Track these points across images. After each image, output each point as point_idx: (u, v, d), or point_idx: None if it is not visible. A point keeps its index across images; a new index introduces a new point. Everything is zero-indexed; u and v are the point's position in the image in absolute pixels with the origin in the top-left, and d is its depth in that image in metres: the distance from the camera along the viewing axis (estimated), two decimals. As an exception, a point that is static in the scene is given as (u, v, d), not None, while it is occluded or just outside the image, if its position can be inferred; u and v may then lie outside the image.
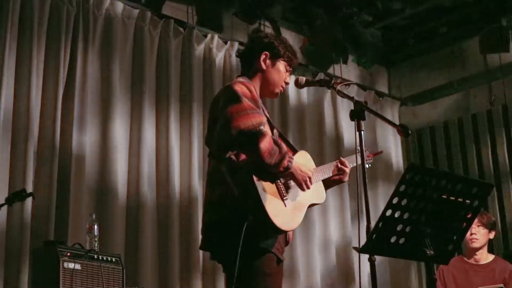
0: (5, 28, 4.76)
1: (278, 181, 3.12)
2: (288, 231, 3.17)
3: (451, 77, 7.44)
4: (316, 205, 3.42)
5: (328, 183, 3.51)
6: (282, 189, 3.12)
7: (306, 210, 3.26)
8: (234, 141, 3.00)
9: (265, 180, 3.05)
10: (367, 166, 3.68)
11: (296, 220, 3.18)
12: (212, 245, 3.16)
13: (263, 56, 3.37)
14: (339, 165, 3.50)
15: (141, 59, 5.53)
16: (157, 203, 5.36)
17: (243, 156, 3.04)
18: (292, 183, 3.19)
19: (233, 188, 3.01)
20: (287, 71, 3.42)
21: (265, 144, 2.97)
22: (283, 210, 3.09)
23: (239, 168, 3.01)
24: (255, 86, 3.32)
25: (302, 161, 3.32)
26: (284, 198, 3.12)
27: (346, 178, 3.51)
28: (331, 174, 3.48)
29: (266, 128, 3.07)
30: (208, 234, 3.14)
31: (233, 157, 3.00)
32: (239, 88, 3.12)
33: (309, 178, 3.17)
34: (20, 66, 4.81)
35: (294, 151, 3.42)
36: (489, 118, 7.10)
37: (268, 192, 3.04)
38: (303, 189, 3.19)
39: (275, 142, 3.06)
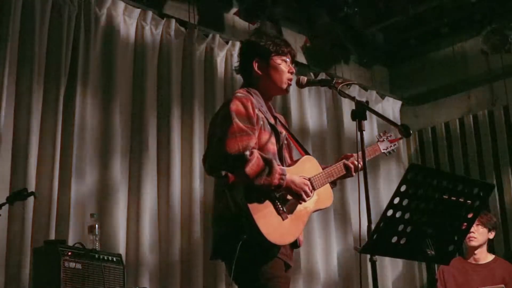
0: (7, 27, 4.75)
1: (274, 196, 3.13)
2: (284, 244, 3.17)
3: (453, 77, 7.43)
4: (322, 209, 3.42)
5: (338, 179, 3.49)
6: (278, 203, 3.14)
7: (307, 218, 3.27)
8: (222, 164, 3.07)
9: (259, 198, 3.08)
10: (391, 151, 3.68)
11: (293, 232, 3.18)
12: (220, 255, 3.22)
13: (255, 64, 3.38)
14: (346, 162, 3.45)
15: (143, 59, 5.53)
16: (158, 202, 5.36)
17: None
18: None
19: (230, 204, 3.08)
20: (285, 62, 3.40)
21: (251, 167, 3.02)
22: (279, 225, 3.10)
23: (235, 185, 3.07)
24: (260, 93, 3.35)
25: (306, 167, 3.33)
26: (281, 213, 3.13)
27: (354, 173, 3.45)
28: (340, 175, 3.44)
29: (266, 140, 3.17)
30: (215, 244, 3.21)
31: (229, 174, 3.06)
32: (235, 106, 3.15)
33: (305, 191, 3.17)
34: (21, 65, 4.81)
35: (306, 153, 3.45)
36: (491, 118, 7.09)
37: (263, 209, 3.07)
38: (300, 202, 3.20)
39: (266, 160, 3.08)
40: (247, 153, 3.03)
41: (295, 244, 3.27)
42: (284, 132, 3.39)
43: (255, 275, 3.06)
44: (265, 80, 3.37)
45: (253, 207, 3.04)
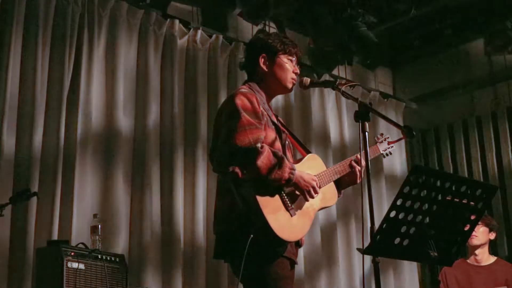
0: (11, 28, 4.77)
1: (282, 192, 3.12)
2: (293, 241, 3.17)
3: (456, 78, 7.44)
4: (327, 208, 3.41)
5: (342, 183, 3.45)
6: (287, 199, 3.12)
7: (314, 215, 3.26)
8: (232, 158, 3.02)
9: (268, 193, 3.06)
10: (389, 153, 3.67)
11: (302, 229, 3.18)
12: (224, 255, 3.20)
13: (261, 59, 3.37)
14: (353, 163, 3.40)
15: (146, 59, 5.53)
16: (161, 202, 5.37)
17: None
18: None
19: (238, 201, 3.05)
20: (291, 61, 3.40)
21: (263, 160, 3.00)
22: (288, 221, 3.09)
23: (243, 181, 3.03)
24: (263, 90, 3.35)
25: (312, 165, 3.32)
26: (290, 209, 3.12)
27: (358, 180, 3.38)
28: (343, 173, 3.41)
29: (273, 138, 3.14)
30: (219, 244, 3.18)
31: (237, 170, 3.01)
32: (240, 101, 3.14)
33: (313, 187, 3.17)
34: (25, 65, 4.82)
35: (308, 152, 3.44)
36: (494, 120, 7.09)
37: (272, 205, 3.05)
38: (307, 199, 3.19)
39: (275, 154, 3.07)
40: (259, 145, 3.02)
41: (297, 243, 3.26)
42: (285, 132, 3.39)
43: (262, 275, 3.04)
44: (269, 77, 3.37)
45: (262, 202, 3.01)
